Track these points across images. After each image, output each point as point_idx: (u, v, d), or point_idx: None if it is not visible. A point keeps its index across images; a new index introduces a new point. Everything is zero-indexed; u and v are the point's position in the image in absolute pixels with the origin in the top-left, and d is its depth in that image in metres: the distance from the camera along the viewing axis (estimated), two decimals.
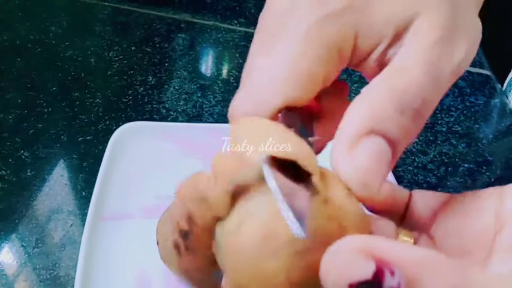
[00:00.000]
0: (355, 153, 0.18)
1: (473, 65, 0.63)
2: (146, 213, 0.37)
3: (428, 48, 0.19)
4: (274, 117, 0.20)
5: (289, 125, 0.19)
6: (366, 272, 0.13)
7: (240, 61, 0.57)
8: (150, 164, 0.40)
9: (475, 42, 0.20)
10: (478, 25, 0.21)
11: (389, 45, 0.20)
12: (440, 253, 0.15)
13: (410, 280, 0.13)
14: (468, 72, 0.61)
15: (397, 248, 0.14)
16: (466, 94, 0.58)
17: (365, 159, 0.17)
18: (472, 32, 0.20)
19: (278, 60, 0.19)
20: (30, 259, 0.35)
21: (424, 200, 0.22)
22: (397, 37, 0.19)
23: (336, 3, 0.19)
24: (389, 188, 0.22)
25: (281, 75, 0.19)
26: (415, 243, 0.21)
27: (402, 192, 0.23)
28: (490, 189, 0.20)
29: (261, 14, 0.21)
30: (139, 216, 0.37)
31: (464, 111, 0.55)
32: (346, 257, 0.14)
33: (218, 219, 0.18)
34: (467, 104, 0.56)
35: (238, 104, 0.20)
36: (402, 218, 0.23)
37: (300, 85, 0.19)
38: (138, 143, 0.41)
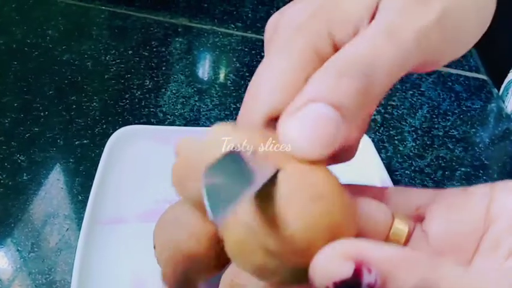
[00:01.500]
0: (293, 119, 0.18)
1: (469, 69, 0.63)
2: (143, 217, 0.37)
3: (389, 15, 0.19)
4: (266, 125, 0.20)
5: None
6: (346, 271, 0.15)
7: (237, 65, 0.57)
8: (147, 168, 0.40)
9: (457, 5, 0.20)
10: None
11: None
12: (413, 251, 0.17)
13: (385, 275, 0.15)
14: (465, 76, 0.62)
15: (372, 248, 0.16)
16: (462, 99, 0.58)
17: (299, 122, 0.18)
18: None
19: (263, 76, 0.21)
20: (25, 263, 0.34)
21: (404, 199, 0.23)
22: (372, 19, 0.20)
23: (309, 8, 0.20)
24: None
25: (263, 88, 0.20)
26: (410, 232, 0.21)
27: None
28: (481, 186, 0.21)
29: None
30: (136, 220, 0.36)
31: (461, 116, 0.55)
32: (329, 260, 0.16)
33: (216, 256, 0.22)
34: (464, 108, 0.56)
35: (240, 113, 0.21)
36: None
37: (281, 95, 0.19)
38: (135, 146, 0.41)
